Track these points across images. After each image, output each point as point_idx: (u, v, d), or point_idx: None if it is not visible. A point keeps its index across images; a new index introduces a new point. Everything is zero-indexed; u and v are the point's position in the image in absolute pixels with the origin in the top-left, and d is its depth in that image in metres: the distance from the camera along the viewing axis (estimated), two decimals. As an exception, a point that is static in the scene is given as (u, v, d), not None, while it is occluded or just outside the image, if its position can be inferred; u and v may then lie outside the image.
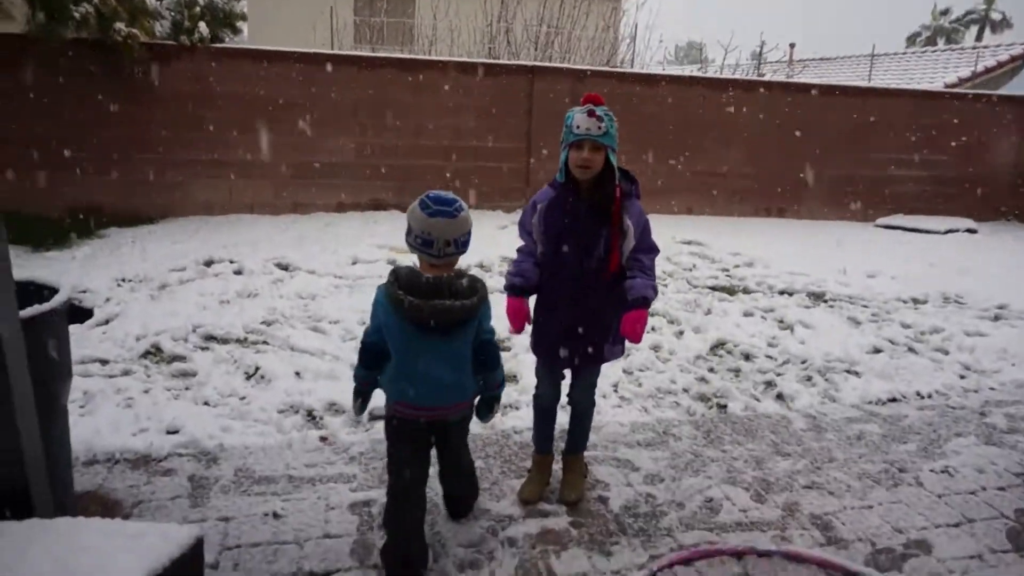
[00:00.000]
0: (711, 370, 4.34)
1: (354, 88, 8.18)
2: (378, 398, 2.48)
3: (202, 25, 7.65)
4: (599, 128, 2.49)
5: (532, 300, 2.77)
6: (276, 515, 2.62)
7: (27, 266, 5.69)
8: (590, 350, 2.71)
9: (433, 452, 2.52)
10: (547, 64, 9.54)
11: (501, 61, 9.55)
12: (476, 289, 2.32)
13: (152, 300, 4.99)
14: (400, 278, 2.29)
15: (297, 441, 3.21)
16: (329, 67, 8.04)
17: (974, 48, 17.91)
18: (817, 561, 2.51)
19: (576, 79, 8.84)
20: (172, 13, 7.80)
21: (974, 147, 10.55)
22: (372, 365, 2.42)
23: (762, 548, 2.55)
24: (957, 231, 9.70)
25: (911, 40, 37.48)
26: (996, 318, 5.72)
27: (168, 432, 3.19)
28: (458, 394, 2.41)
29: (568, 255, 2.62)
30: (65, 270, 5.54)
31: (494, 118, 8.70)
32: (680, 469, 3.14)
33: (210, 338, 4.37)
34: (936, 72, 16.77)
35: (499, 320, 2.52)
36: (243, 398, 3.61)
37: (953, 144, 10.44)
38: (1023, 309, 5.94)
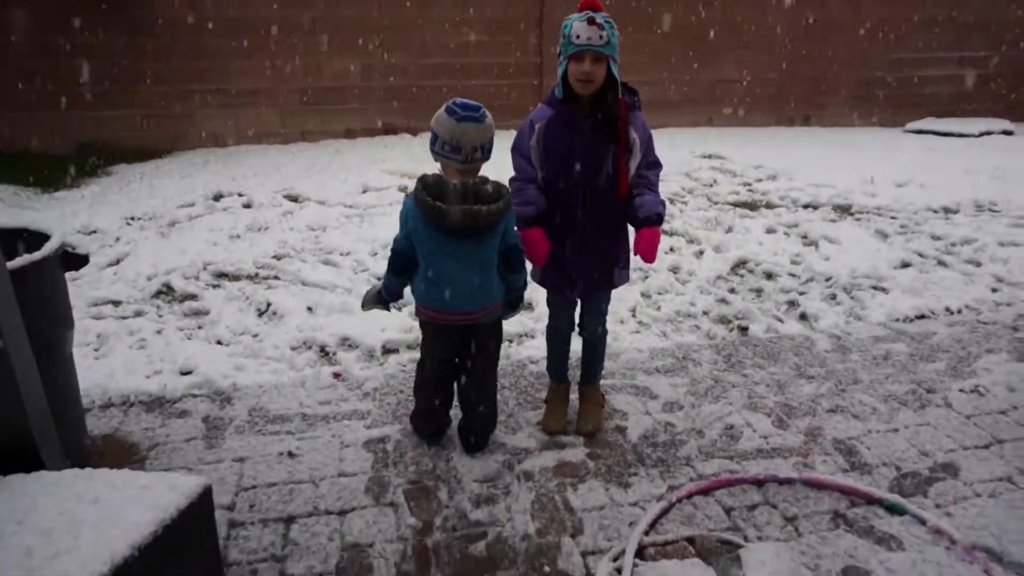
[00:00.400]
0: (732, 291, 4.22)
1: (357, 4, 7.81)
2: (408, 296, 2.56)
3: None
4: (600, 37, 2.30)
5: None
6: (291, 454, 2.62)
7: (36, 207, 5.66)
8: (598, 275, 2.62)
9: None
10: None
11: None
12: (501, 194, 2.37)
13: (162, 238, 4.94)
14: (428, 185, 2.34)
15: (310, 378, 3.19)
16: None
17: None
18: (839, 488, 2.45)
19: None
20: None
21: (1012, 42, 9.92)
22: (402, 271, 2.50)
23: (783, 475, 2.51)
24: (992, 133, 9.24)
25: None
26: (1032, 226, 5.48)
27: (182, 373, 3.18)
28: (487, 296, 2.49)
29: (575, 176, 2.46)
30: (74, 210, 5.48)
31: (503, 31, 8.31)
32: (700, 396, 3.07)
33: (221, 275, 4.32)
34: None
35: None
36: (256, 335, 3.59)
37: (995, 38, 9.82)
38: (1061, 215, 5.68)
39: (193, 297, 4.01)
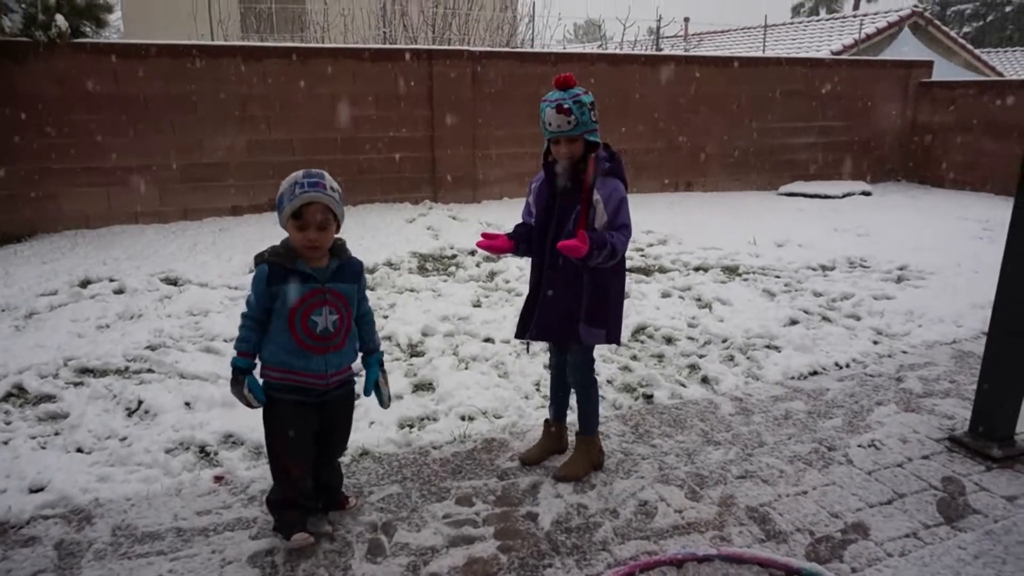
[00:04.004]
0: (634, 358, 4.22)
1: (241, 81, 7.61)
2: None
3: (59, 18, 6.87)
4: (568, 123, 2.54)
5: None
6: (162, 580, 2.28)
7: None
8: (556, 326, 2.74)
9: None
10: (445, 47, 9.20)
11: (397, 46, 9.15)
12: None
13: (16, 332, 4.43)
14: None
15: (187, 484, 2.85)
16: (206, 61, 7.42)
17: (855, 16, 18.68)
18: (758, 561, 2.39)
19: (475, 61, 8.56)
20: (23, 5, 6.99)
21: (862, 112, 10.97)
22: None
23: (701, 553, 2.41)
24: (853, 194, 10.06)
25: (796, 10, 38.89)
26: (899, 279, 5.88)
27: (31, 491, 2.76)
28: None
29: (544, 231, 2.72)
30: (-89, 304, 4.86)
31: (394, 107, 8.32)
32: (611, 471, 2.97)
33: (85, 371, 3.89)
34: (823, 40, 17.41)
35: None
36: (124, 439, 3.20)
37: (846, 110, 10.81)
38: (921, 269, 6.15)
39: (50, 399, 3.56)
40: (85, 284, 5.36)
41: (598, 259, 2.57)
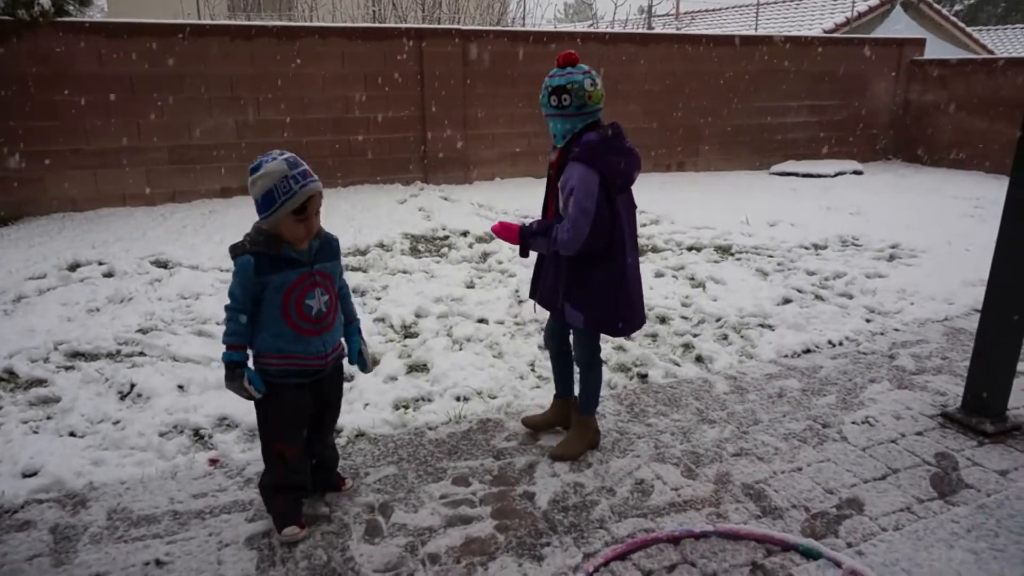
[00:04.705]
0: (628, 337, 4.21)
1: (229, 61, 7.50)
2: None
3: (41, -4, 6.75)
4: (551, 120, 2.68)
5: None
6: (159, 563, 2.27)
7: None
8: (548, 295, 2.82)
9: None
10: (436, 26, 9.09)
11: (387, 25, 9.03)
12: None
13: (5, 316, 4.38)
14: None
15: (183, 467, 2.84)
16: (193, 41, 7.31)
17: (847, -6, 18.54)
18: (755, 537, 2.40)
19: (467, 40, 8.46)
20: (4, -16, 6.85)
21: (854, 90, 10.94)
22: None
23: (698, 530, 2.43)
24: (845, 173, 10.06)
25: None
26: (891, 258, 5.90)
27: (25, 475, 2.74)
28: None
29: (547, 205, 2.83)
30: None
31: (384, 86, 8.23)
32: (607, 450, 2.98)
33: (76, 355, 3.86)
34: (815, 19, 17.32)
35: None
36: (117, 423, 3.18)
37: (837, 88, 10.78)
38: (912, 247, 6.17)
39: (41, 383, 3.53)
40: (74, 267, 5.30)
41: (540, 248, 2.69)
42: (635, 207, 2.81)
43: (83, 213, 7.12)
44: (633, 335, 4.22)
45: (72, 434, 3.07)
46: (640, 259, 5.64)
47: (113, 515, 2.53)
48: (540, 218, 2.83)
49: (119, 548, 2.35)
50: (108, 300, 4.66)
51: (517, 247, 2.78)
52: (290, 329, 2.31)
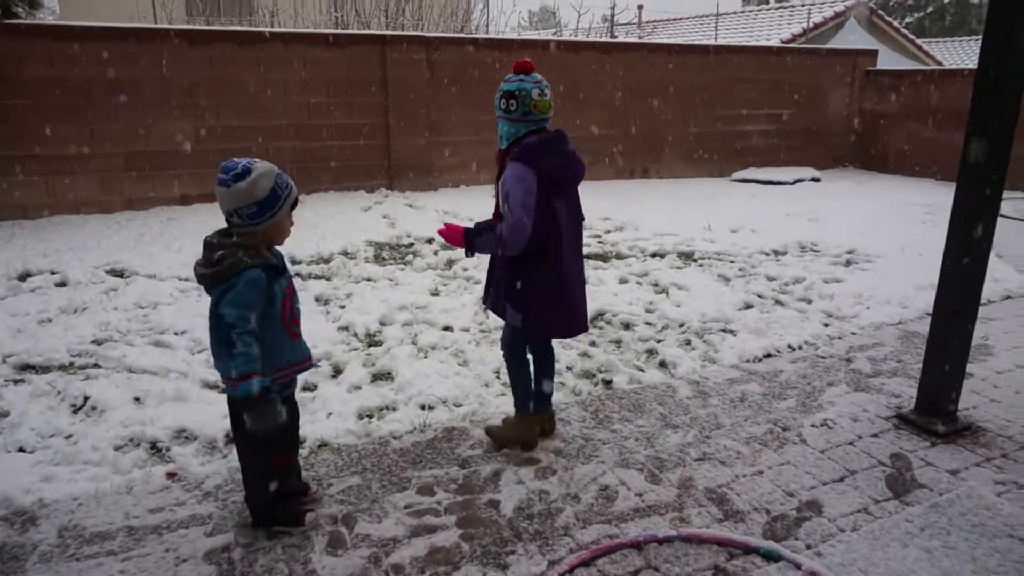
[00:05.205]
0: (593, 344, 4.24)
1: (187, 66, 7.36)
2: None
3: (-11, -1, 6.57)
4: (499, 122, 2.77)
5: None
6: (113, 581, 2.21)
7: None
8: (493, 295, 2.89)
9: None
10: (399, 33, 9.07)
11: (350, 31, 8.97)
12: (219, 261, 2.16)
13: (-49, 328, 4.22)
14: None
15: (139, 482, 2.76)
16: (149, 45, 7.16)
17: (803, 5, 19.02)
18: (717, 540, 2.43)
19: (431, 47, 8.45)
20: (-50, -15, 6.65)
21: (811, 99, 11.20)
22: None
23: (662, 535, 2.45)
24: (804, 180, 10.27)
25: (746, -1, 39.46)
26: (848, 263, 6.04)
27: (-30, 493, 2.64)
28: (219, 366, 2.28)
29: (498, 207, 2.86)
30: None
31: (347, 93, 8.17)
32: (572, 457, 2.98)
33: (26, 367, 3.74)
34: (772, 29, 17.71)
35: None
36: (69, 437, 3.08)
37: (795, 97, 11.02)
38: (868, 252, 6.32)
39: (-11, 397, 3.41)
40: (24, 277, 5.14)
41: (485, 247, 2.71)
42: (582, 219, 2.90)
43: (34, 221, 6.90)
44: (598, 342, 4.25)
45: (21, 449, 2.97)
46: (604, 265, 5.73)
47: (64, 532, 2.45)
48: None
49: (70, 567, 2.28)
50: (61, 310, 4.53)
51: (463, 248, 2.78)
52: (287, 337, 2.32)
